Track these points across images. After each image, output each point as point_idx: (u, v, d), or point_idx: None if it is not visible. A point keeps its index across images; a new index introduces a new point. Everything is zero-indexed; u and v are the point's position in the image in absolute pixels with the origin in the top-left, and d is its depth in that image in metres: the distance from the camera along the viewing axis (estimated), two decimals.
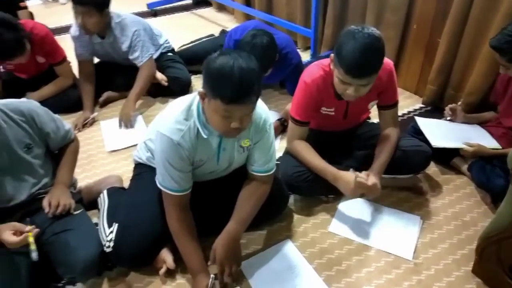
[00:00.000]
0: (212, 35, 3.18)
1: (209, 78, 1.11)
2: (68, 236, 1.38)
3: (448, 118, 1.98)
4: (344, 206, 1.73)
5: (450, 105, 1.97)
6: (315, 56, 2.80)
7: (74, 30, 2.32)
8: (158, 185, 1.35)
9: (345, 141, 1.81)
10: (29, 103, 1.41)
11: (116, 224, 1.43)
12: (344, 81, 1.40)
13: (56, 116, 1.50)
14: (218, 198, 1.49)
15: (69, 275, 1.40)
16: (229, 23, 3.74)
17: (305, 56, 2.88)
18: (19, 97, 2.29)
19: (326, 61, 1.55)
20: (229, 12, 4.03)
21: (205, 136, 1.27)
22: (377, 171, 1.54)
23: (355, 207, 1.71)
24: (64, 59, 2.37)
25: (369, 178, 1.48)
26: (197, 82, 2.70)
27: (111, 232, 1.43)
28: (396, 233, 1.61)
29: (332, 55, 1.43)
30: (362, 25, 1.37)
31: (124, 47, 2.32)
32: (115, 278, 1.47)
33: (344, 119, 1.69)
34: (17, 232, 1.29)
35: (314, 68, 1.57)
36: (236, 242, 1.40)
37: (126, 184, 1.77)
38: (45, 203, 1.42)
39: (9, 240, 1.27)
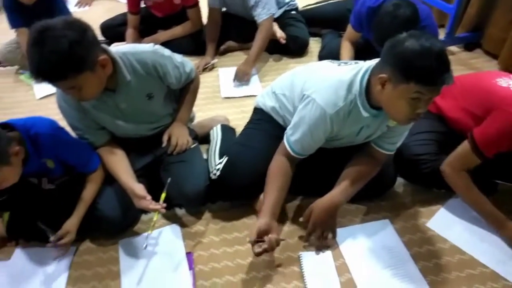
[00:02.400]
0: None
1: (403, 60, 1.08)
2: (181, 167, 1.52)
3: None
4: (453, 202, 1.58)
5: None
6: (450, 36, 2.52)
7: None
8: (285, 137, 1.37)
9: None
10: (154, 54, 1.39)
11: (227, 157, 1.52)
12: None
13: (180, 58, 1.50)
14: (327, 160, 1.47)
15: (178, 202, 1.55)
16: None
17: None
18: (153, 33, 2.53)
19: None
20: None
21: (365, 115, 1.24)
22: None
23: (465, 208, 1.51)
24: (196, 3, 2.47)
25: None
26: (315, 44, 2.65)
27: (220, 162, 1.52)
28: (503, 249, 1.41)
29: None
30: None
31: (252, 2, 2.30)
32: (217, 211, 1.59)
33: None
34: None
35: None
36: (334, 210, 1.40)
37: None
38: (164, 138, 1.56)
39: (140, 204, 1.34)
